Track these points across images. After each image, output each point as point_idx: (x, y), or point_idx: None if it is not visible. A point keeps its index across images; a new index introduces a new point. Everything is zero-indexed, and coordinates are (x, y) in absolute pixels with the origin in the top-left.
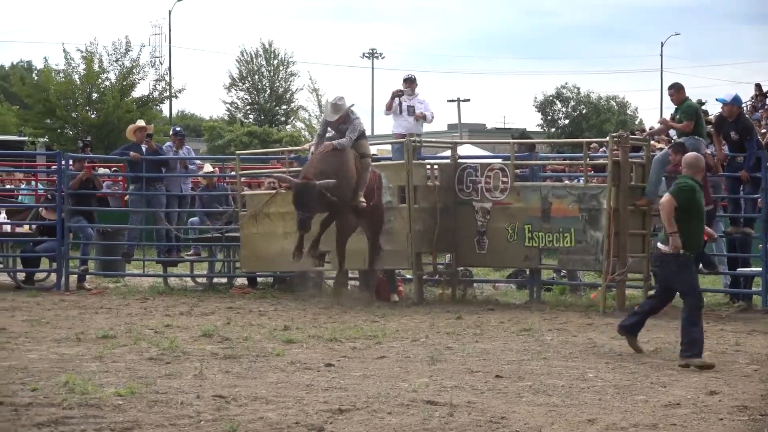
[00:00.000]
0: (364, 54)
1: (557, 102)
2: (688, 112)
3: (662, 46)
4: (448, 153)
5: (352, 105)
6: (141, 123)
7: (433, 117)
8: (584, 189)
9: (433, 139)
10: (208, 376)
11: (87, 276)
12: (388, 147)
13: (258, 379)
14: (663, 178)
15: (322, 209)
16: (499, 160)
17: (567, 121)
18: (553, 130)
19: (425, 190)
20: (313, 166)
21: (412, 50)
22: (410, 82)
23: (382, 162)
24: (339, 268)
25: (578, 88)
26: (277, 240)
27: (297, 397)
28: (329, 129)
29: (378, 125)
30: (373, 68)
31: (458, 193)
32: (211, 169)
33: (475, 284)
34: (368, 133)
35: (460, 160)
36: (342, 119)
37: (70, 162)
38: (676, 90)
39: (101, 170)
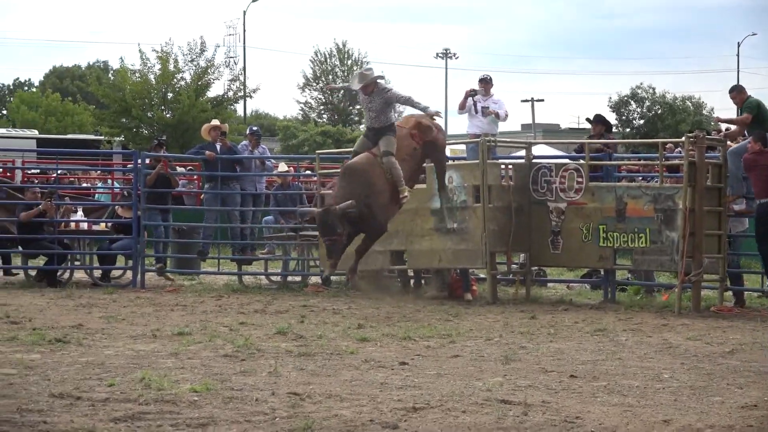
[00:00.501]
0: (437, 54)
1: (632, 102)
2: (749, 106)
3: (739, 46)
4: (522, 153)
5: (381, 76)
6: (216, 122)
7: (506, 115)
8: (659, 189)
9: (508, 139)
10: (283, 374)
11: (166, 270)
12: (462, 147)
13: (332, 376)
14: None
15: (350, 228)
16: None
17: (642, 122)
18: (628, 130)
19: (500, 189)
20: (341, 189)
21: (486, 50)
22: (485, 82)
23: (456, 162)
24: (354, 264)
25: (653, 89)
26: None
27: (371, 395)
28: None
29: (451, 125)
30: (446, 68)
31: (533, 193)
32: (285, 169)
33: (549, 284)
34: None
35: (534, 160)
36: (369, 89)
37: (146, 160)
38: (738, 92)
39: (177, 169)
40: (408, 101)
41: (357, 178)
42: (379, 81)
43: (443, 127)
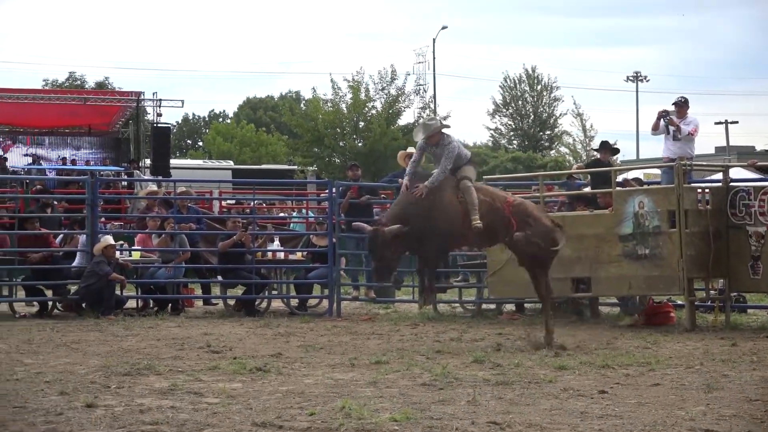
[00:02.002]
0: (628, 77)
1: None
2: None
3: None
4: (718, 176)
5: (446, 126)
6: (412, 149)
7: (696, 130)
8: None
9: (704, 163)
10: (482, 403)
11: (359, 300)
12: (654, 171)
13: (531, 405)
14: None
15: (401, 252)
16: None
17: None
18: None
19: (696, 214)
20: (399, 208)
21: (677, 72)
22: (680, 105)
23: (650, 186)
24: (429, 283)
25: None
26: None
27: (571, 424)
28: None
29: (643, 149)
30: (637, 91)
31: (730, 217)
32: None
33: (749, 310)
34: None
35: (732, 184)
36: (434, 140)
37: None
38: None
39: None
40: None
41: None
42: (443, 131)
43: (634, 151)
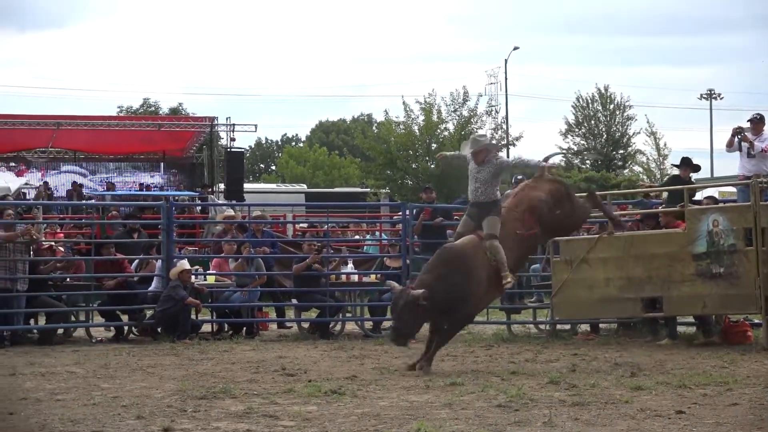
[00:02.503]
0: (701, 95)
1: None
2: None
3: None
4: None
5: (495, 146)
6: None
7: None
8: None
9: None
10: (558, 423)
11: None
12: (730, 189)
13: (608, 426)
14: None
15: (423, 320)
16: None
17: None
18: None
19: None
20: (430, 272)
21: (752, 89)
22: (756, 122)
23: (723, 204)
24: (429, 353)
25: None
26: (597, 286)
27: None
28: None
29: (717, 168)
30: (711, 109)
31: None
32: None
33: None
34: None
35: None
36: (481, 157)
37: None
38: None
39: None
40: (519, 162)
41: (454, 264)
42: (494, 151)
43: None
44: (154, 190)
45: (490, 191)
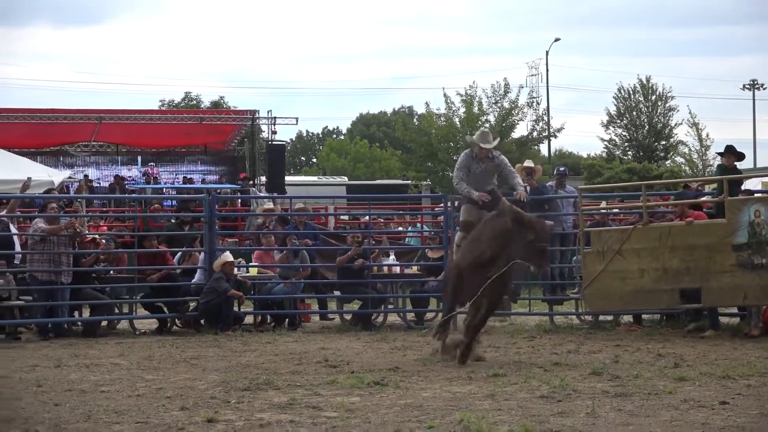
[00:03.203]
0: (744, 86)
1: None
2: None
3: None
4: None
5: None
6: (529, 163)
7: None
8: None
9: None
10: (601, 414)
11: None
12: None
13: (651, 417)
14: None
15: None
16: None
17: None
18: None
19: None
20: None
21: None
22: None
23: (765, 195)
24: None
25: None
26: (632, 278)
27: None
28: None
29: (761, 158)
30: (754, 99)
31: None
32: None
33: None
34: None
35: None
36: (483, 154)
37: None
38: None
39: None
40: (512, 173)
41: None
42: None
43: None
44: (196, 183)
45: (481, 187)
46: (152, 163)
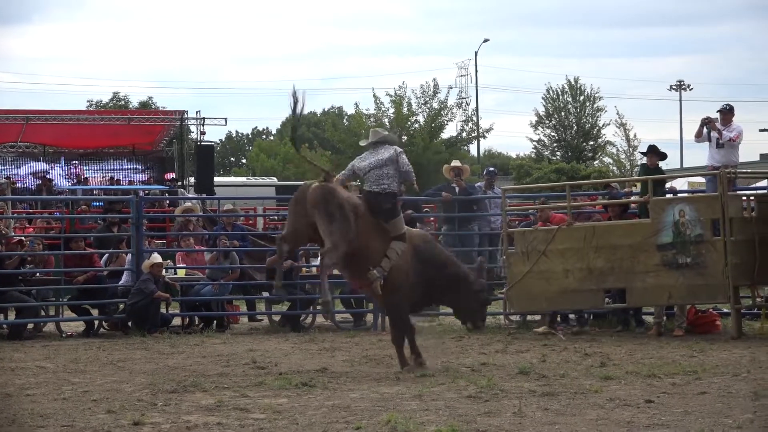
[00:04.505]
0: (671, 86)
1: None
2: None
3: None
4: (764, 183)
5: (391, 140)
6: (457, 162)
7: (739, 136)
8: None
9: (749, 170)
10: (528, 414)
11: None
12: (699, 180)
13: (577, 416)
14: None
15: None
16: None
17: None
18: None
19: (741, 222)
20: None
21: (721, 80)
22: (725, 113)
23: (691, 195)
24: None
25: None
26: (557, 278)
27: None
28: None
29: (687, 158)
30: (680, 100)
31: None
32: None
33: None
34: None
35: None
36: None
37: None
38: None
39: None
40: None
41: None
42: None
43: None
44: (124, 185)
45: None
46: (76, 162)
